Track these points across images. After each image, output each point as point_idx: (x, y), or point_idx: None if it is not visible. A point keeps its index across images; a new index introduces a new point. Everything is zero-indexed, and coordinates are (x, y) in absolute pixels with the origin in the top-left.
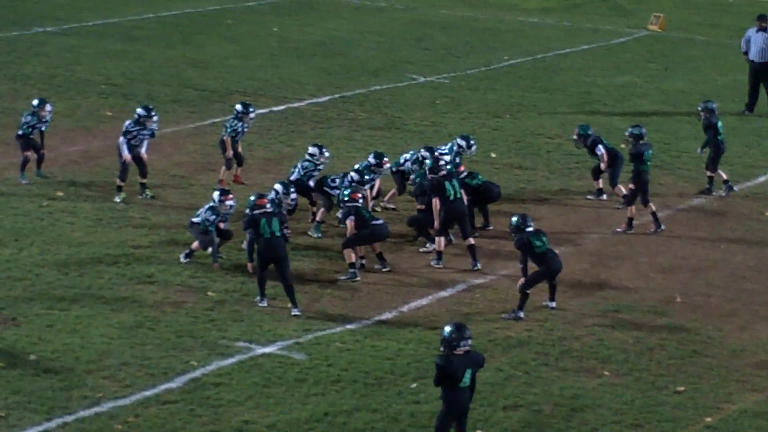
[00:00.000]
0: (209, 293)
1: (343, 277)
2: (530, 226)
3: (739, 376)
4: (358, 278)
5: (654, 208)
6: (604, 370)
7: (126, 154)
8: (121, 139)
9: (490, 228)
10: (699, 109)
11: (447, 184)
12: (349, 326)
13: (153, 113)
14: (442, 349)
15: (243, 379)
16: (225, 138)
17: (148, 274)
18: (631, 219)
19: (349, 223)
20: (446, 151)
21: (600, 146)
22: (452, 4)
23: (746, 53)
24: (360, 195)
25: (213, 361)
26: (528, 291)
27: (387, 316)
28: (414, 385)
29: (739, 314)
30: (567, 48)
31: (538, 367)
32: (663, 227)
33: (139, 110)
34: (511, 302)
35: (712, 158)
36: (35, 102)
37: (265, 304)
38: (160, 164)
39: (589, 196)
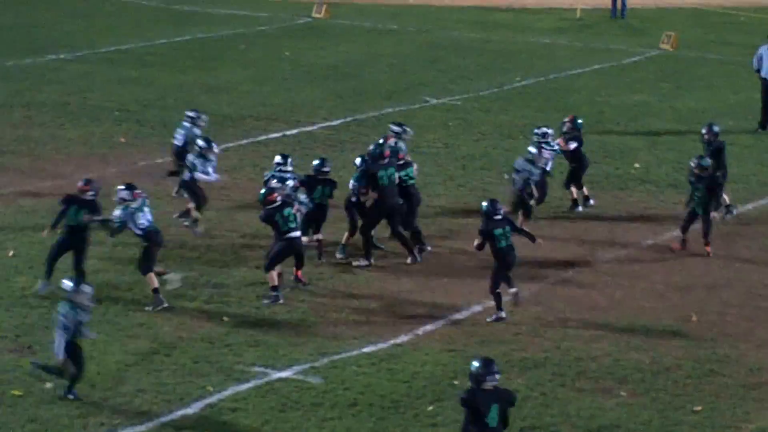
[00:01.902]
0: (224, 318)
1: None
2: (499, 214)
3: (756, 395)
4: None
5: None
6: (621, 390)
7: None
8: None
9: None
10: (703, 132)
11: (382, 171)
12: (364, 350)
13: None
14: (469, 383)
15: (259, 403)
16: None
17: None
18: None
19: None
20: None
21: (572, 142)
22: (464, 26)
23: (758, 71)
24: (277, 196)
25: (229, 387)
26: (498, 290)
27: (403, 339)
28: (431, 407)
29: (756, 332)
30: (579, 68)
31: (554, 387)
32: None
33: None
34: (526, 323)
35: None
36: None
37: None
38: (172, 190)
39: (579, 208)
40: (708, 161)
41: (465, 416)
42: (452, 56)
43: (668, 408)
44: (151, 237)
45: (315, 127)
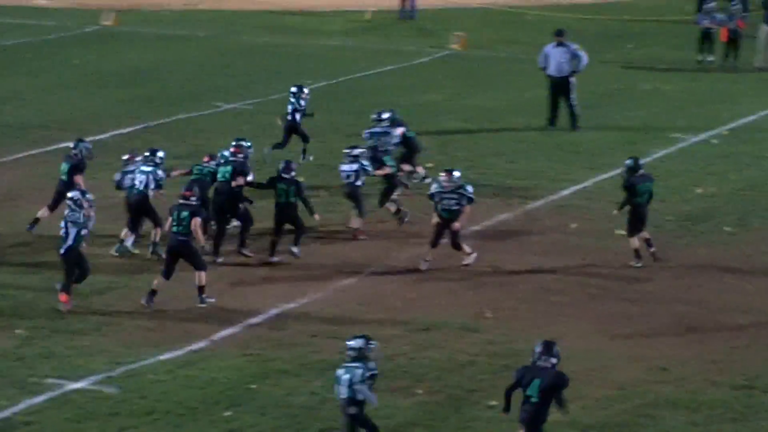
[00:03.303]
0: (17, 331)
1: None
2: (289, 174)
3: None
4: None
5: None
6: (418, 389)
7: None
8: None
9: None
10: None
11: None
12: (161, 357)
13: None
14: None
15: (54, 416)
16: None
17: None
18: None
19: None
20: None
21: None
22: (254, 31)
23: (544, 68)
24: (190, 194)
25: (22, 400)
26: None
27: (199, 345)
28: (227, 413)
29: (549, 326)
30: (370, 70)
31: None
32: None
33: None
34: (322, 326)
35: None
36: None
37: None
38: None
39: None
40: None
41: (509, 387)
42: (243, 61)
43: (464, 404)
44: None
45: (106, 136)
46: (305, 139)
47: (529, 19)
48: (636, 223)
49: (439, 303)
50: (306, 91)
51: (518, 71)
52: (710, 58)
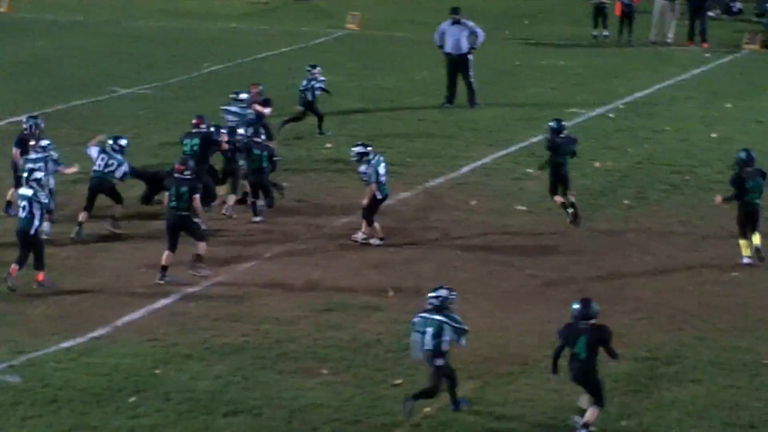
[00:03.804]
0: None
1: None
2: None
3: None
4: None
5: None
6: (322, 369)
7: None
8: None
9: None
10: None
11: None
12: (63, 345)
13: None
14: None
15: None
16: None
17: None
18: None
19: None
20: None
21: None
22: (150, 15)
23: (441, 47)
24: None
25: None
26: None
27: (101, 332)
28: (132, 399)
29: None
30: (266, 52)
31: (256, 371)
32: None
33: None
34: (225, 309)
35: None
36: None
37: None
38: None
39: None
40: None
41: (556, 349)
42: (140, 46)
43: (369, 383)
44: None
45: (2, 123)
46: (318, 116)
47: None
48: (555, 184)
49: (342, 283)
50: (317, 69)
51: (415, 51)
52: (605, 33)
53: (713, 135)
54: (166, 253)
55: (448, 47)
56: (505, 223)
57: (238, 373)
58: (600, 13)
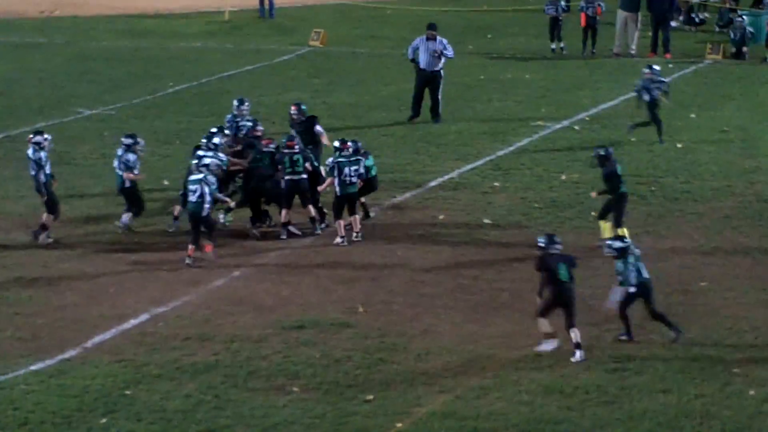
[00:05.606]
0: None
1: None
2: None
3: (425, 379)
4: None
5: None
6: (293, 387)
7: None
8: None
9: None
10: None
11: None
12: (32, 367)
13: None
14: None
15: None
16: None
17: None
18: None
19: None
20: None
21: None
22: (113, 36)
23: (413, 60)
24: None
25: None
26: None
27: (71, 353)
28: (103, 420)
29: (422, 318)
30: (231, 70)
31: (227, 389)
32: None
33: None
34: (195, 328)
35: None
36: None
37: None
38: None
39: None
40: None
41: (540, 280)
42: (103, 66)
43: (341, 400)
44: None
45: None
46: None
47: (388, 13)
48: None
49: (312, 300)
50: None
51: (379, 66)
52: (562, 45)
53: (678, 145)
54: (284, 211)
55: (423, 63)
56: (473, 237)
57: (209, 392)
58: (555, 27)
